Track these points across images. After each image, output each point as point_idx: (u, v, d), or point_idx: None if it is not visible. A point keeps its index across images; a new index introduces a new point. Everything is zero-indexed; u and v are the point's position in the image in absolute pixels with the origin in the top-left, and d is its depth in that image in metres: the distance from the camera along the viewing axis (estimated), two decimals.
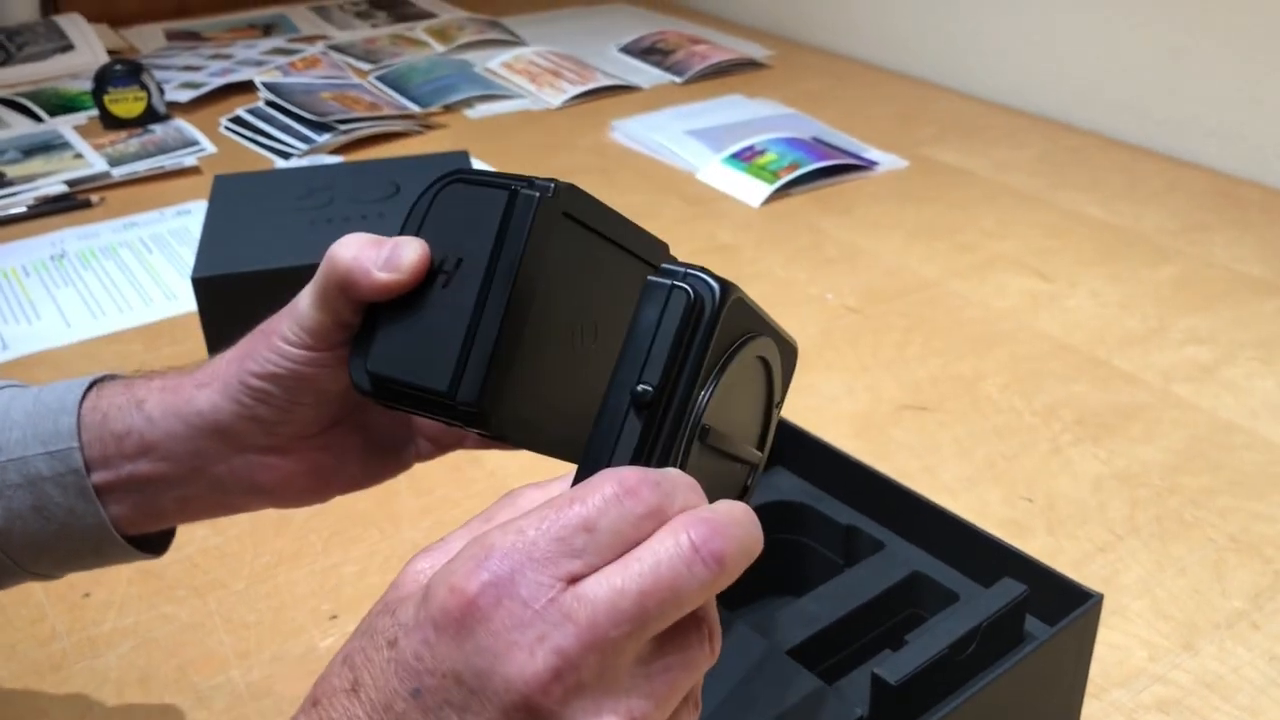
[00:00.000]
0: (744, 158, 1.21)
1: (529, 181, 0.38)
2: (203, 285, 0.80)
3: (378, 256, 0.38)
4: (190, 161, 1.25)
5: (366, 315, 0.39)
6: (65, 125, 1.36)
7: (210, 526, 0.71)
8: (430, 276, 0.38)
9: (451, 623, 0.29)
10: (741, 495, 0.41)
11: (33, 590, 0.66)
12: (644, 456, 0.33)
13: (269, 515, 0.71)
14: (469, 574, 0.29)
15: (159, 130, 1.33)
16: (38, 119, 1.38)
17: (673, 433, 0.33)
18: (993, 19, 1.42)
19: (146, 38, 1.72)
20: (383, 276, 0.38)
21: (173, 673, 0.60)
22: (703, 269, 0.34)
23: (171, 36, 1.73)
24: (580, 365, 0.41)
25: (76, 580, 0.66)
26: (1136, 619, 0.63)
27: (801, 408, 0.79)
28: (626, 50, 1.61)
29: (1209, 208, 1.12)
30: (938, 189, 1.17)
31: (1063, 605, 0.50)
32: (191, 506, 0.45)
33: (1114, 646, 0.61)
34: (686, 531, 0.30)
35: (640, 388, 0.33)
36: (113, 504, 0.44)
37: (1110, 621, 0.63)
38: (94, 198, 1.17)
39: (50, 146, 1.29)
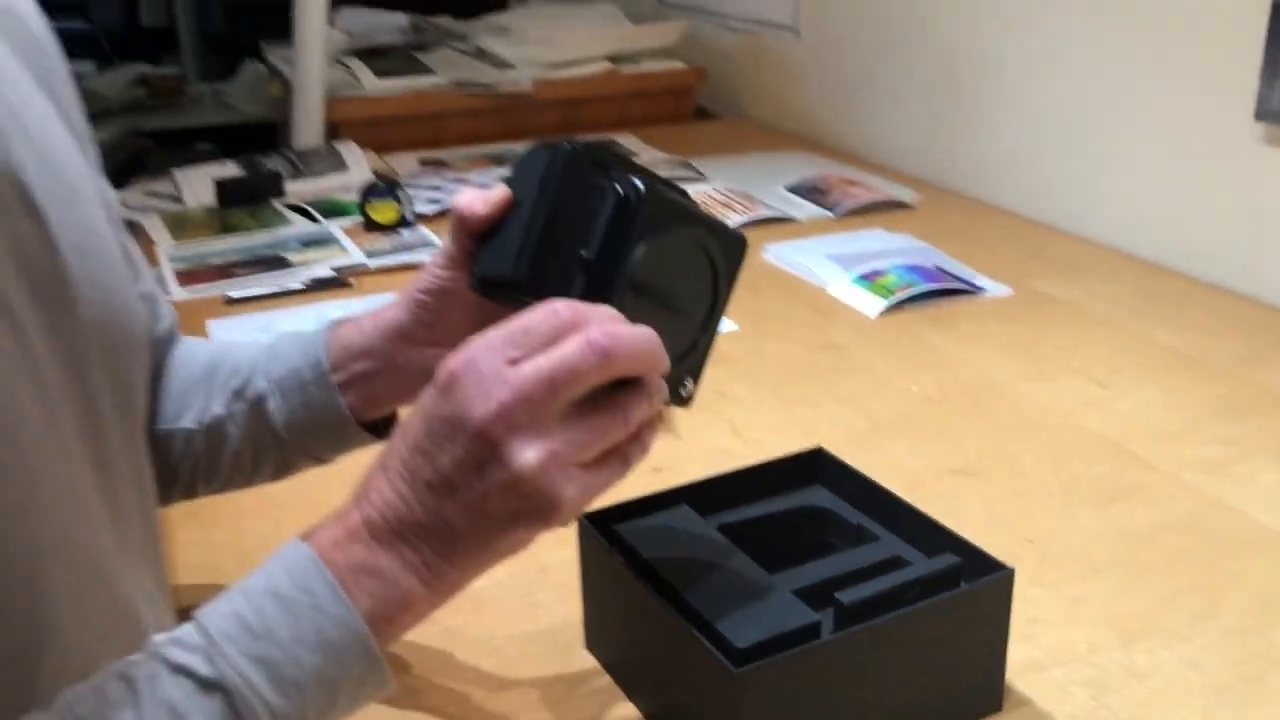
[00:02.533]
0: (869, 278, 1.44)
1: (570, 142, 0.60)
2: None
3: (476, 198, 0.62)
4: (426, 259, 1.58)
5: (478, 242, 0.63)
6: (336, 226, 1.72)
7: None
8: (513, 212, 0.61)
9: (442, 386, 0.51)
10: (690, 349, 0.62)
11: None
12: (588, 296, 0.55)
13: None
14: (453, 358, 0.51)
15: (406, 234, 1.67)
16: (315, 220, 1.75)
17: (607, 283, 0.56)
18: (1110, 171, 1.61)
19: (404, 162, 2.11)
20: (477, 209, 0.62)
21: None
22: (643, 175, 0.57)
23: (423, 163, 2.11)
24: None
25: None
26: (1088, 624, 0.81)
27: (865, 464, 1.00)
28: (792, 189, 1.87)
29: None
30: (1031, 313, 1.37)
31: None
32: (394, 393, 0.71)
33: (1064, 642, 0.79)
34: (588, 333, 0.50)
35: (583, 253, 0.56)
36: (347, 395, 0.70)
37: (1066, 627, 0.81)
38: (353, 281, 1.51)
39: (323, 241, 1.64)
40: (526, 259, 0.59)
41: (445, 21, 2.64)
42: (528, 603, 0.85)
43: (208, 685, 0.48)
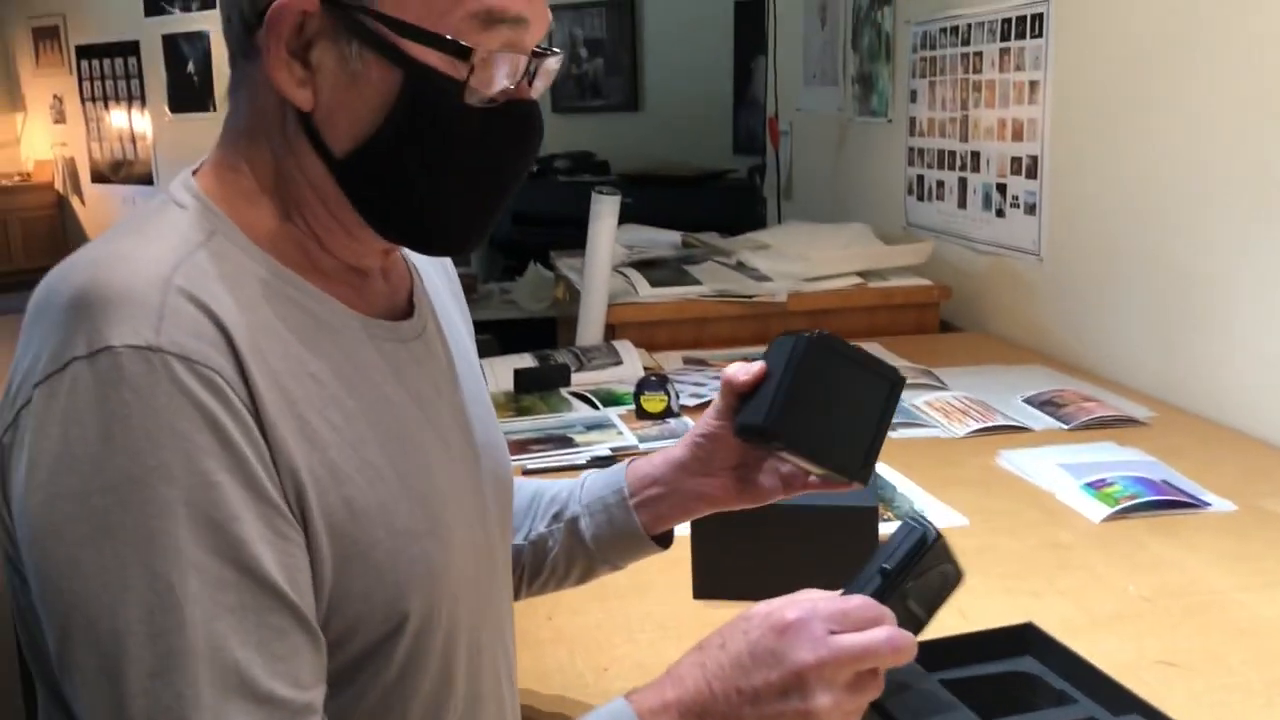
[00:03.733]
0: (1096, 486, 1.55)
1: (810, 332, 0.83)
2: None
3: (740, 369, 0.84)
4: None
5: (741, 400, 0.86)
6: (613, 413, 1.98)
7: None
8: (766, 380, 0.84)
9: (779, 629, 0.71)
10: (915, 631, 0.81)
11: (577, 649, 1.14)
12: (879, 596, 0.75)
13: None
14: (791, 611, 0.71)
15: (673, 423, 1.91)
16: (596, 407, 2.02)
17: (893, 590, 0.76)
18: None
19: (671, 360, 2.38)
20: (741, 377, 0.85)
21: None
22: (927, 521, 0.77)
23: (687, 361, 2.37)
24: (832, 419, 0.85)
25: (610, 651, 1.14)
26: None
27: (1076, 650, 1.12)
28: (1028, 401, 2.01)
29: None
30: (1255, 529, 1.45)
31: None
32: (675, 512, 0.93)
33: None
34: (890, 632, 0.71)
35: (885, 566, 0.76)
36: (640, 514, 0.92)
37: None
38: (625, 461, 1.75)
39: (602, 425, 1.91)
40: (774, 414, 0.84)
41: (712, 238, 2.97)
42: None
43: None
